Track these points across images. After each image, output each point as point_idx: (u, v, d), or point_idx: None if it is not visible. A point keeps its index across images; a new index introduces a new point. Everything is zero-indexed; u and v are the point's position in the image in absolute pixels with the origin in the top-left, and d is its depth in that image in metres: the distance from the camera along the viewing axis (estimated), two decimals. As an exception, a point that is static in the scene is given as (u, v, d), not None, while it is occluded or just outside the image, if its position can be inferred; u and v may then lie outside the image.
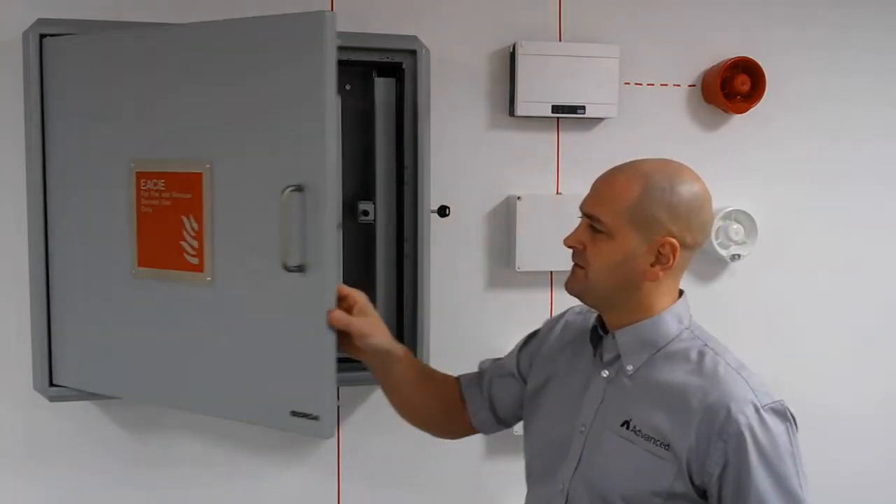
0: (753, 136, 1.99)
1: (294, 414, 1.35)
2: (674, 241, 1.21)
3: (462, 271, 1.86)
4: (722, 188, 1.97)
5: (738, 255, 1.94)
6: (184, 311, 1.44)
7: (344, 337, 1.35)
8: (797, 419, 1.24)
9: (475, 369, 1.48)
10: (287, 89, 1.31)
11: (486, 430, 1.48)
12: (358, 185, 1.72)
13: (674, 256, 1.21)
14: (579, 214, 1.27)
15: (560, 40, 1.87)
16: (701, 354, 1.24)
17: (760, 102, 1.94)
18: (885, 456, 2.14)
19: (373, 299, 1.71)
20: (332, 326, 1.33)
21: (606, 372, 1.27)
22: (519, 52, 1.80)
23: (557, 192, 1.89)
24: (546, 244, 1.84)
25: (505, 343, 1.60)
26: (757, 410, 1.16)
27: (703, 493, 1.18)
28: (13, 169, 1.58)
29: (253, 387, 1.39)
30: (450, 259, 1.83)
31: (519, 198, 1.83)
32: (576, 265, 1.27)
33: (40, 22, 1.52)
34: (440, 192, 1.75)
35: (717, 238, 1.93)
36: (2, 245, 1.63)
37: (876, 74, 2.05)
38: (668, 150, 1.92)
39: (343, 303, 1.36)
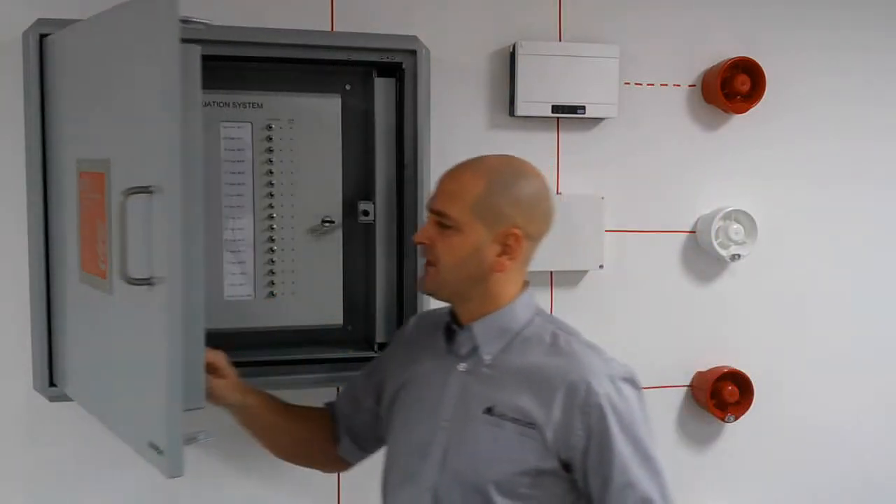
0: (753, 136, 1.99)
1: (150, 445, 1.24)
2: (518, 231, 1.29)
3: (462, 271, 1.86)
4: (722, 188, 1.98)
5: (738, 255, 1.94)
6: (96, 320, 1.40)
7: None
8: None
9: None
10: (142, 83, 1.22)
11: (350, 460, 1.53)
12: (358, 185, 1.72)
13: (519, 246, 1.29)
14: (428, 211, 1.33)
15: (560, 40, 1.87)
16: (554, 336, 1.31)
17: (760, 102, 1.94)
18: (885, 456, 2.14)
19: (373, 299, 1.72)
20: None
21: (464, 365, 1.32)
22: (519, 52, 1.80)
23: (557, 192, 1.89)
24: (546, 244, 1.83)
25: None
26: (612, 381, 1.25)
27: (568, 467, 1.25)
28: (13, 169, 1.57)
29: (128, 410, 1.33)
30: (450, 259, 1.83)
31: (519, 198, 1.83)
32: (427, 263, 1.33)
33: (40, 22, 1.52)
34: (440, 192, 1.75)
35: (717, 238, 1.93)
36: (2, 245, 1.63)
37: (876, 74, 2.05)
38: (668, 150, 1.95)
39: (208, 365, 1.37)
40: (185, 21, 1.16)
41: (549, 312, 1.40)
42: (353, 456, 1.53)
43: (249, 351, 1.67)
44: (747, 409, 1.97)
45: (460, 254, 1.29)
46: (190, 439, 1.22)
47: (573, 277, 1.92)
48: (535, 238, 1.33)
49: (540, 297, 1.88)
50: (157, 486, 1.76)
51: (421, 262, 1.38)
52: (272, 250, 1.68)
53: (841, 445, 2.10)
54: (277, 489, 1.82)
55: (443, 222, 1.29)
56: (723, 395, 1.95)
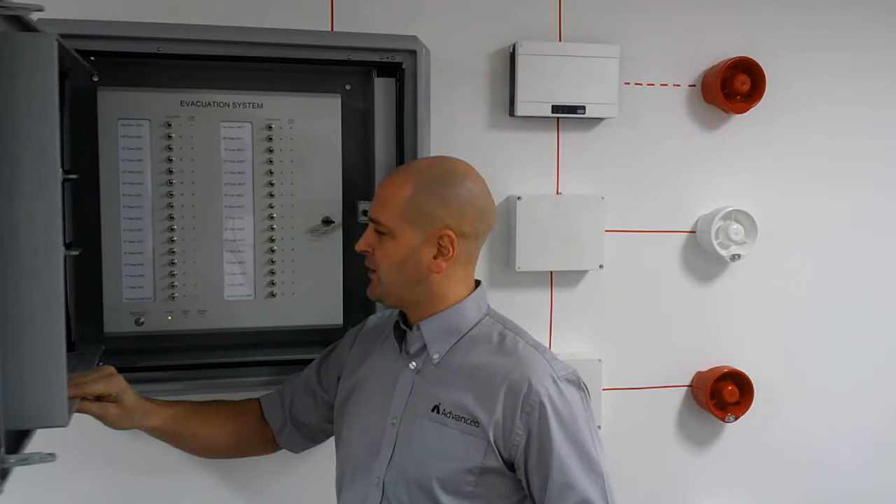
0: (753, 136, 1.99)
1: None
2: (450, 232, 1.30)
3: (462, 271, 1.86)
4: (722, 188, 1.98)
5: (738, 255, 1.94)
6: None
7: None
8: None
9: None
10: None
11: (293, 448, 1.56)
12: (358, 185, 1.72)
13: (453, 247, 1.31)
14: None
15: (560, 40, 1.87)
16: (501, 336, 1.33)
17: (760, 102, 1.94)
18: (884, 455, 2.14)
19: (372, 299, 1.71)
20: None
21: (414, 364, 1.35)
22: (519, 52, 1.80)
23: (557, 193, 1.89)
24: (546, 244, 1.84)
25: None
26: (555, 381, 1.26)
27: (511, 466, 1.27)
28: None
29: None
30: (450, 259, 1.83)
31: (519, 198, 1.83)
32: (370, 271, 1.36)
33: (40, 22, 1.52)
34: (440, 192, 1.75)
35: (717, 238, 1.93)
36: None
37: (876, 74, 2.05)
38: (668, 150, 1.95)
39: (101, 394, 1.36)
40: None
41: (499, 313, 1.40)
42: (295, 444, 1.56)
43: (249, 351, 1.68)
44: (747, 409, 1.97)
45: (396, 259, 1.31)
46: (21, 460, 1.09)
47: (573, 277, 1.92)
48: (471, 237, 1.34)
49: (540, 297, 1.90)
50: (151, 486, 1.76)
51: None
52: (272, 250, 1.68)
53: (841, 445, 2.10)
54: (277, 488, 1.82)
55: (378, 229, 1.33)
56: (723, 395, 1.95)
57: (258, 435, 1.56)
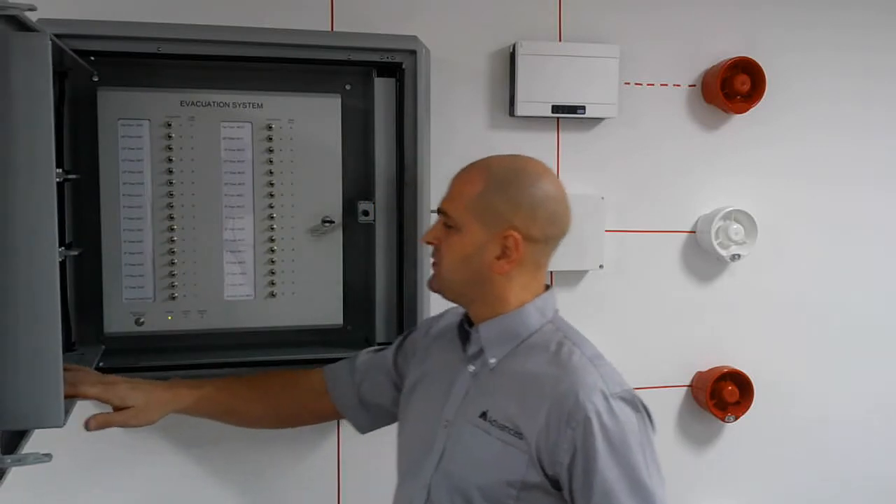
0: (753, 136, 1.99)
1: None
2: (516, 234, 1.24)
3: (462, 271, 1.86)
4: (722, 188, 1.98)
5: (738, 255, 1.94)
6: None
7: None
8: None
9: None
10: None
11: (361, 427, 1.52)
12: (358, 185, 1.72)
13: (517, 249, 1.24)
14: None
15: (560, 40, 1.87)
16: (559, 345, 1.25)
17: (760, 102, 1.94)
18: (885, 455, 2.14)
19: (373, 299, 1.71)
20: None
21: (472, 366, 1.30)
22: (519, 52, 1.80)
23: (557, 192, 1.89)
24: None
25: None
26: (605, 398, 1.17)
27: (556, 484, 1.18)
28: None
29: None
30: (450, 259, 1.83)
31: (519, 198, 1.82)
32: (433, 263, 1.33)
33: (40, 22, 1.52)
34: (440, 192, 1.74)
35: (717, 238, 1.93)
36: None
37: (876, 74, 2.05)
38: (668, 150, 1.95)
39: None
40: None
41: (566, 321, 1.34)
42: (364, 424, 1.52)
43: (249, 351, 1.68)
44: (747, 409, 1.97)
45: (459, 254, 1.27)
46: (17, 460, 1.10)
47: (573, 277, 1.92)
48: (539, 241, 1.27)
49: (540, 297, 1.89)
50: (151, 486, 1.76)
51: (429, 261, 1.38)
52: (272, 250, 1.68)
53: (841, 445, 2.10)
54: (277, 488, 1.82)
55: (446, 222, 1.29)
56: (723, 395, 1.95)
57: (314, 410, 1.53)
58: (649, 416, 1.21)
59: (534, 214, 1.26)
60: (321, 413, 1.55)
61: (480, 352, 1.30)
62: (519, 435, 1.19)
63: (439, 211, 1.32)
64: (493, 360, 1.28)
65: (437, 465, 1.27)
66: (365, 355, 1.53)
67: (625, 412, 1.17)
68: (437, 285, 1.33)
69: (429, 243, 1.33)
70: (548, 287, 1.34)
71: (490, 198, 1.26)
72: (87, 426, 1.34)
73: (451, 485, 1.25)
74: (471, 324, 1.33)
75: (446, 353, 1.37)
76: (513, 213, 1.25)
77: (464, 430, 1.26)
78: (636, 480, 1.14)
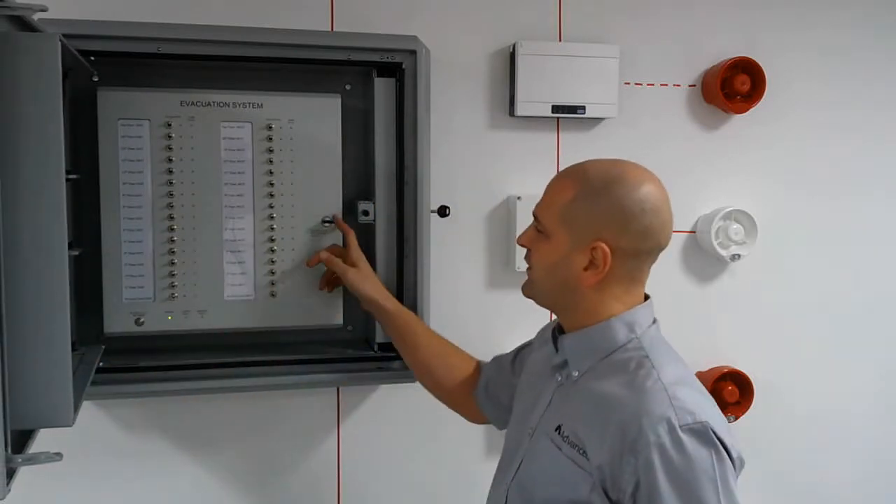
0: (753, 136, 1.99)
1: None
2: (605, 246, 1.17)
3: (462, 271, 1.86)
4: (722, 188, 1.98)
5: (738, 255, 1.94)
6: None
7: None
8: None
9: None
10: None
11: (484, 409, 1.52)
12: (358, 185, 1.72)
13: (605, 262, 1.18)
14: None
15: (560, 40, 1.87)
16: (638, 366, 1.17)
17: (760, 102, 1.94)
18: (885, 456, 2.14)
19: (373, 299, 1.71)
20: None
21: (559, 376, 1.27)
22: (519, 52, 1.80)
23: (557, 192, 1.89)
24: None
25: (504, 343, 1.61)
26: (672, 429, 1.08)
27: None
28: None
29: None
30: (450, 259, 1.83)
31: (519, 198, 1.82)
32: (527, 268, 1.30)
33: (40, 22, 1.52)
34: (440, 192, 1.75)
35: (717, 238, 1.93)
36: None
37: (876, 74, 2.05)
38: (668, 150, 1.95)
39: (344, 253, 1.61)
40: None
41: (660, 337, 1.26)
42: (488, 406, 1.52)
43: (249, 351, 1.68)
44: (747, 409, 1.97)
45: (546, 261, 1.23)
46: (28, 460, 1.08)
47: (573, 277, 1.92)
48: (631, 254, 1.19)
49: (540, 297, 1.89)
50: (151, 485, 1.76)
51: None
52: (272, 250, 1.68)
53: (841, 445, 2.10)
54: (278, 488, 1.82)
55: (538, 227, 1.25)
56: (723, 395, 1.94)
57: (465, 395, 1.54)
58: (727, 449, 1.13)
59: (625, 226, 1.18)
60: (468, 404, 1.55)
61: (565, 363, 1.26)
62: (585, 455, 1.14)
63: (533, 214, 1.28)
64: (575, 373, 1.23)
65: (515, 473, 1.26)
66: (493, 360, 1.55)
67: (693, 445, 1.09)
68: (528, 291, 1.30)
69: (521, 245, 1.30)
70: (647, 298, 1.27)
71: (580, 207, 1.19)
72: (312, 259, 1.64)
73: (522, 495, 1.22)
74: (562, 331, 1.29)
75: (542, 360, 1.35)
76: (602, 225, 1.18)
77: (540, 441, 1.23)
78: None
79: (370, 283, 1.59)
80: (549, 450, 1.20)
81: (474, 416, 1.57)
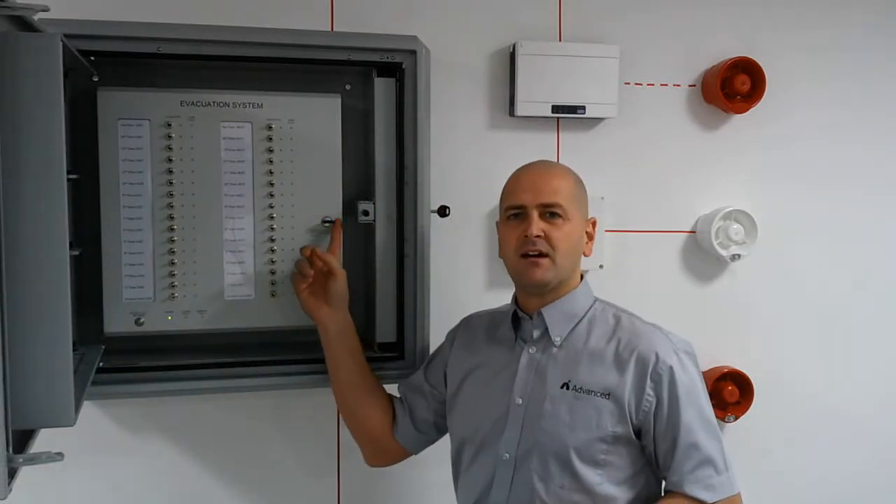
0: (753, 137, 1.99)
1: None
2: (595, 219, 1.51)
3: (462, 271, 1.86)
4: (722, 188, 1.98)
5: (738, 255, 1.94)
6: None
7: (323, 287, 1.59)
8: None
9: None
10: None
11: (411, 446, 1.62)
12: (358, 185, 1.72)
13: (594, 233, 1.51)
14: (514, 213, 1.45)
15: (560, 40, 1.87)
16: (616, 318, 1.47)
17: (760, 102, 1.94)
18: (884, 456, 2.14)
19: (373, 299, 1.72)
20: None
21: (533, 349, 1.46)
22: (519, 52, 1.80)
23: (557, 192, 1.89)
24: (546, 244, 1.84)
25: (505, 343, 1.60)
26: (676, 353, 1.41)
27: (638, 433, 1.40)
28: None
29: None
30: (450, 259, 1.83)
31: (519, 198, 1.83)
32: (538, 255, 1.43)
33: (40, 22, 1.52)
34: (440, 192, 1.75)
35: (717, 238, 1.93)
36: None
37: (876, 75, 2.05)
38: (668, 150, 1.95)
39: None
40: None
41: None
42: (409, 439, 1.61)
43: (249, 351, 1.68)
44: (747, 409, 1.97)
45: (573, 240, 1.44)
46: (30, 459, 1.08)
47: (573, 277, 1.92)
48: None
49: (540, 297, 1.89)
50: (151, 485, 1.76)
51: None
52: (272, 250, 1.68)
53: (841, 445, 2.10)
54: (278, 487, 1.82)
55: (554, 212, 1.42)
56: (723, 395, 1.95)
57: (384, 420, 1.63)
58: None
59: (587, 205, 1.51)
60: (381, 428, 1.64)
61: (543, 335, 1.46)
62: (606, 395, 1.38)
63: (543, 205, 1.42)
64: (557, 339, 1.45)
65: (519, 439, 1.41)
66: (403, 387, 1.65)
67: (689, 362, 1.42)
68: (552, 274, 1.43)
69: (540, 236, 1.42)
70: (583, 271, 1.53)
71: (579, 189, 1.48)
72: (306, 249, 1.63)
73: (543, 452, 1.39)
74: (524, 312, 1.48)
75: (494, 345, 1.52)
76: (587, 203, 1.50)
77: (545, 402, 1.41)
78: (705, 418, 1.40)
79: (344, 296, 1.62)
80: (565, 404, 1.40)
81: (391, 454, 1.65)
